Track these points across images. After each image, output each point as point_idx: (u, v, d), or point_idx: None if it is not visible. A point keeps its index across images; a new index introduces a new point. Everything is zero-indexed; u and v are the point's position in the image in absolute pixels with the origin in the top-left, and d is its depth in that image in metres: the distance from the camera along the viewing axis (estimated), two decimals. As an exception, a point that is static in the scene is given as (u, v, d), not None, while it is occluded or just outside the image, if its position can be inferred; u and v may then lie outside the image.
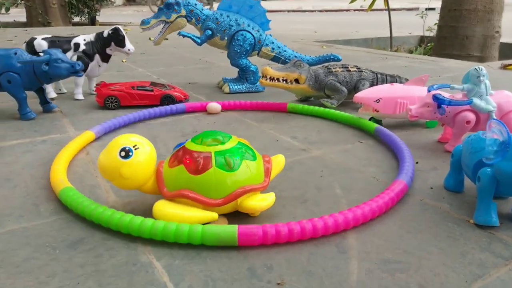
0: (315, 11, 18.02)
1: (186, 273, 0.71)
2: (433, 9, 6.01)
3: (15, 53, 1.51)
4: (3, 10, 7.07)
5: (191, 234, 0.77)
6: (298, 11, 18.04)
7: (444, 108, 1.21)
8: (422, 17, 5.10)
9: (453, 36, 4.11)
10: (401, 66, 2.92)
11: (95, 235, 0.83)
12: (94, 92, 1.97)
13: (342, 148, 1.31)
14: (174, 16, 1.96)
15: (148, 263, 0.74)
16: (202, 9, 2.00)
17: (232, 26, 1.97)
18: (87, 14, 8.39)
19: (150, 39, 4.46)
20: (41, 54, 1.76)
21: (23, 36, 5.19)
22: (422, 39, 5.56)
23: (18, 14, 9.01)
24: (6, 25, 7.41)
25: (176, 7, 1.95)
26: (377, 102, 1.41)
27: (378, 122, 1.49)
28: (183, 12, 1.97)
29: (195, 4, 1.99)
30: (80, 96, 1.87)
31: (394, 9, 4.68)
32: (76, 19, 8.62)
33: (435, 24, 4.78)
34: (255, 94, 2.05)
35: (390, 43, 4.54)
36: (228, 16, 1.98)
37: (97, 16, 8.48)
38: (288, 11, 17.33)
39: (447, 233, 0.84)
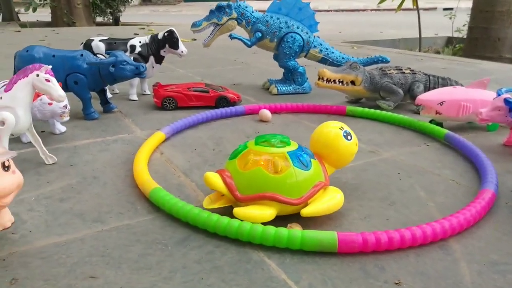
0: (331, 10, 17.94)
1: (302, 271, 0.74)
2: (451, 9, 5.95)
3: (81, 55, 1.56)
4: (30, 10, 7.18)
5: (290, 238, 0.78)
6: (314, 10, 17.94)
7: (517, 111, 1.21)
8: (450, 18, 5.06)
9: (485, 38, 4.08)
10: (439, 68, 2.91)
11: (199, 231, 0.85)
12: (146, 93, 2.01)
13: (410, 150, 1.32)
14: (225, 18, 1.99)
15: (261, 261, 0.77)
16: (253, 12, 2.03)
17: (282, 28, 2.00)
18: (110, 14, 8.50)
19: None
20: (99, 55, 1.81)
21: (53, 36, 5.29)
22: (449, 40, 5.52)
23: (41, 14, 9.15)
24: (33, 24, 7.55)
25: (227, 10, 1.99)
26: (441, 105, 1.42)
27: (439, 124, 1.49)
28: (234, 15, 2.00)
29: (246, 7, 2.02)
30: (135, 97, 1.91)
31: (413, 9, 4.65)
32: (99, 19, 8.73)
33: (464, 25, 4.75)
34: (303, 95, 2.07)
35: (419, 44, 4.52)
36: (278, 19, 2.01)
37: (120, 17, 8.59)
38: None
39: (543, 236, 0.85)
